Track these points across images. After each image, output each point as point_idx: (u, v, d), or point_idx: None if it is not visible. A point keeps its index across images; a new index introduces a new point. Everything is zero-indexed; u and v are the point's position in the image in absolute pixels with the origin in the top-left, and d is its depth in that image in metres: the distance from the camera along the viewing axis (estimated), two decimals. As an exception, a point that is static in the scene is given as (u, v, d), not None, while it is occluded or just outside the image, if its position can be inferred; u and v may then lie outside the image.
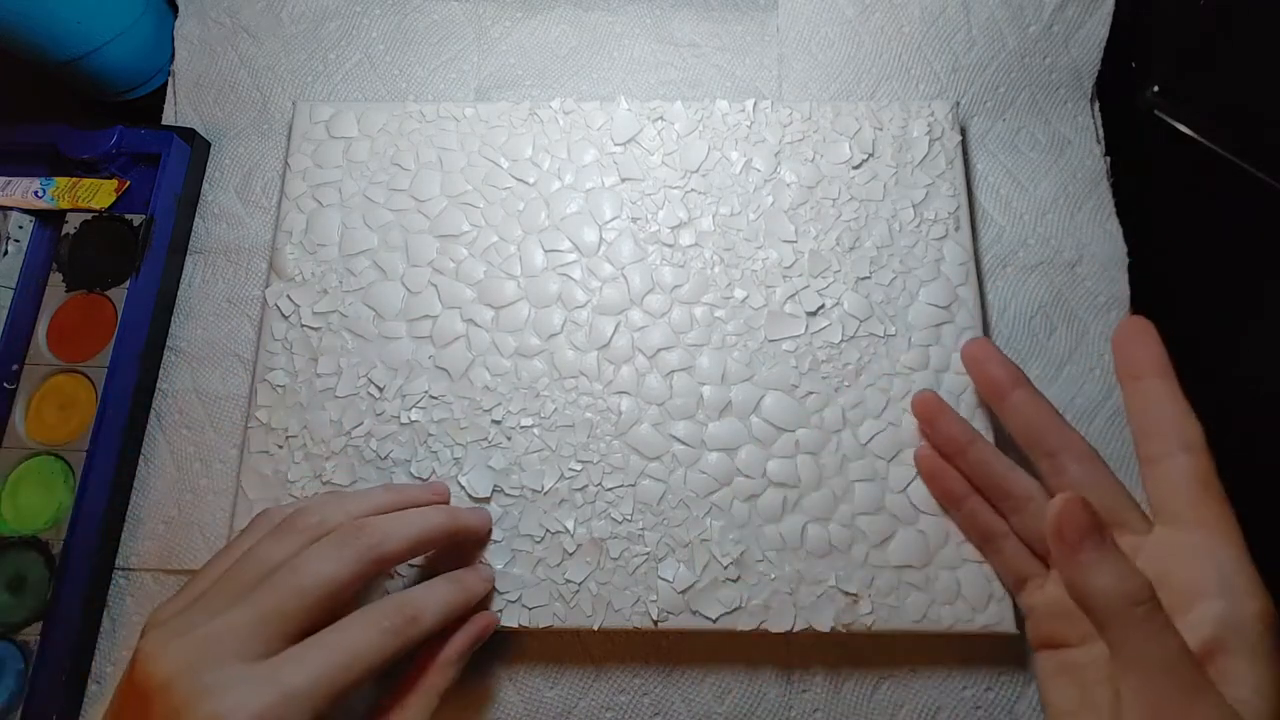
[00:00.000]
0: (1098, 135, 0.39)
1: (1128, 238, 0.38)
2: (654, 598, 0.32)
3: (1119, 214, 0.38)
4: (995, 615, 0.31)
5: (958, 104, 0.38)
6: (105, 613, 0.34)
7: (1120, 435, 0.35)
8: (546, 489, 0.33)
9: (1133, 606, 0.22)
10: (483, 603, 0.31)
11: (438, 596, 0.28)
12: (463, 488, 0.33)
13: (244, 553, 0.27)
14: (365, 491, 0.31)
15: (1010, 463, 0.31)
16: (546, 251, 0.36)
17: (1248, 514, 0.25)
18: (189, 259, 0.39)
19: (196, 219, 0.40)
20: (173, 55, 0.42)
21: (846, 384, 0.34)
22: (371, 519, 0.28)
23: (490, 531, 0.32)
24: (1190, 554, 0.25)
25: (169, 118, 0.41)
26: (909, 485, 0.33)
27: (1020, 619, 0.32)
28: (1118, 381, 0.28)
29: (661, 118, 0.38)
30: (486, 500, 0.33)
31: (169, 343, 0.38)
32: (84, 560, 0.33)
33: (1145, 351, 0.28)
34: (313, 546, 0.26)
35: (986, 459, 0.31)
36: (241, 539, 0.28)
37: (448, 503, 0.33)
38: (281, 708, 0.22)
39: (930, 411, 0.32)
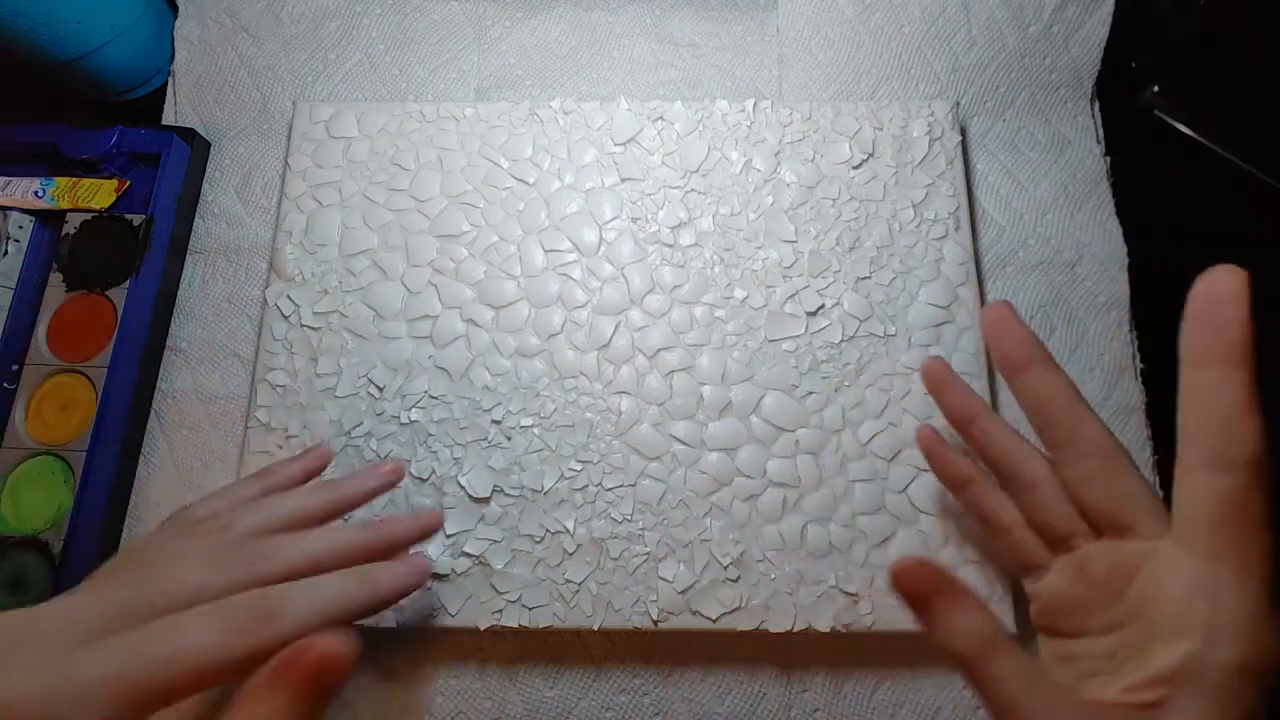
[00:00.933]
0: (1098, 135, 0.39)
1: (1128, 238, 0.38)
2: (654, 598, 0.32)
3: (1119, 214, 0.38)
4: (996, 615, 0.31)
5: (958, 104, 0.38)
6: (105, 613, 0.34)
7: (1121, 435, 0.35)
8: (546, 489, 0.33)
9: (990, 649, 0.22)
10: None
11: (315, 597, 0.24)
12: (463, 488, 0.33)
13: (148, 568, 0.24)
14: (295, 495, 0.28)
15: (1020, 441, 0.28)
16: (546, 251, 0.36)
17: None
18: (189, 259, 0.39)
19: (196, 219, 0.40)
20: (173, 55, 0.42)
21: (846, 384, 0.34)
22: (274, 589, 0.24)
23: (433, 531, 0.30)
24: (1191, 584, 0.22)
25: (169, 118, 0.41)
26: (909, 485, 0.33)
27: (1019, 619, 0.32)
28: (1180, 362, 0.22)
29: (661, 118, 0.38)
30: (486, 500, 0.33)
31: (169, 343, 0.38)
32: (84, 560, 0.33)
33: (1222, 329, 0.22)
34: (193, 612, 0.22)
35: (993, 435, 0.29)
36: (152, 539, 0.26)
37: (433, 530, 0.30)
38: (63, 697, 0.19)
39: (937, 380, 0.31)
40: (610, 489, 0.33)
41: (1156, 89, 0.40)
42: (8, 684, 0.19)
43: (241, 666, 0.21)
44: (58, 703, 0.19)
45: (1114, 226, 0.38)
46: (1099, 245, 0.38)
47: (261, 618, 0.22)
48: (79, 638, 0.21)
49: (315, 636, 0.21)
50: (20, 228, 0.38)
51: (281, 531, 0.27)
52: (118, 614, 0.22)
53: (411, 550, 0.29)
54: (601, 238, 0.36)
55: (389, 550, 0.28)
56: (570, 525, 0.32)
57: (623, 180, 0.37)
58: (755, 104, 0.38)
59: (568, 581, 0.32)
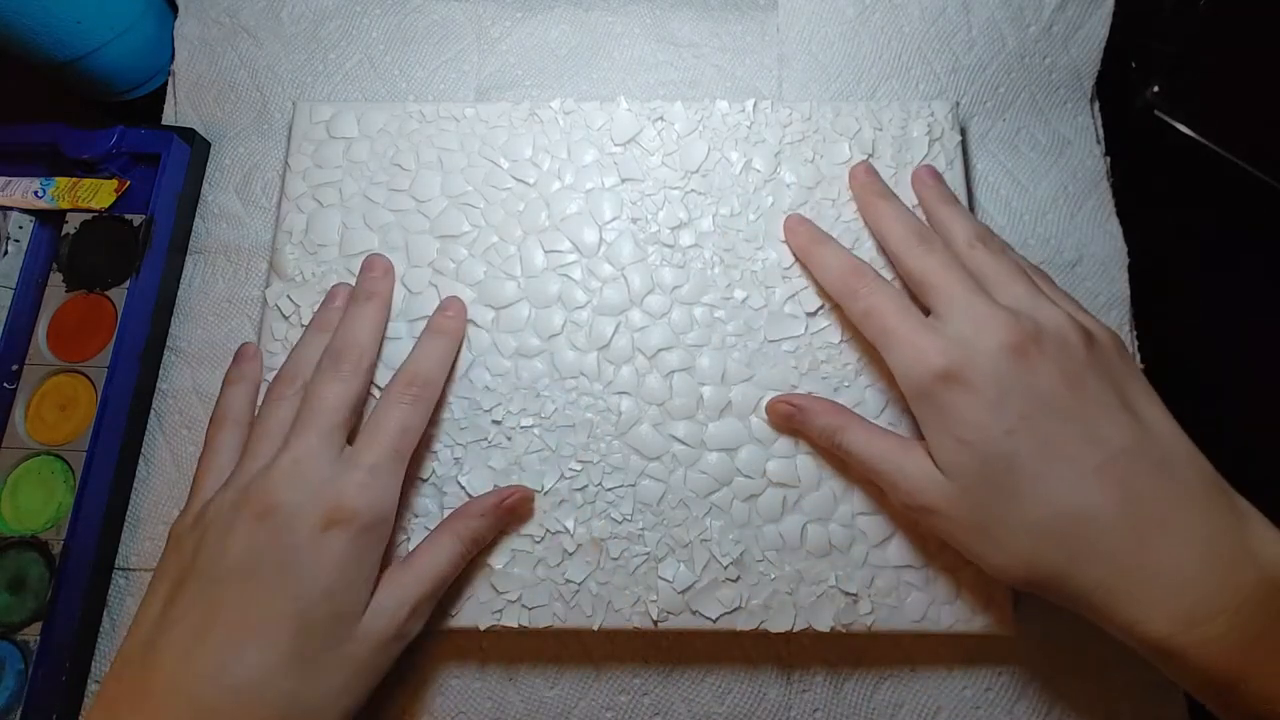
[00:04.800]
0: (1098, 135, 0.39)
1: (1128, 238, 0.38)
2: (654, 598, 0.32)
3: (1119, 214, 0.38)
4: (996, 616, 0.31)
5: (958, 104, 0.38)
6: (105, 613, 0.34)
7: (1120, 435, 0.35)
8: (546, 489, 0.33)
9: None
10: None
11: (431, 354, 0.33)
12: (463, 488, 0.33)
13: (253, 427, 0.32)
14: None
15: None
16: (546, 252, 0.36)
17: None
18: (189, 259, 0.39)
19: (196, 219, 0.40)
20: (173, 55, 0.42)
21: (846, 384, 0.34)
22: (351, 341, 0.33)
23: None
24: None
25: (169, 118, 0.41)
26: (909, 485, 0.33)
27: (1020, 616, 0.32)
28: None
29: (661, 118, 0.38)
30: (486, 500, 0.33)
31: (169, 343, 0.38)
32: (84, 560, 0.33)
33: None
34: (316, 377, 0.31)
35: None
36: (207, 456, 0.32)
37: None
38: (372, 477, 0.29)
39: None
40: (610, 489, 0.33)
41: (1156, 89, 0.40)
42: (343, 488, 0.29)
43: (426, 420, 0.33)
44: (373, 479, 0.30)
45: (1114, 226, 0.38)
46: (1099, 245, 0.38)
47: (423, 387, 0.32)
48: (334, 455, 0.30)
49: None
50: (20, 228, 0.38)
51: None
52: (331, 430, 0.30)
53: None
54: (601, 238, 0.36)
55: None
56: (570, 525, 0.32)
57: (623, 181, 0.37)
58: (755, 104, 0.38)
59: (568, 581, 0.32)
